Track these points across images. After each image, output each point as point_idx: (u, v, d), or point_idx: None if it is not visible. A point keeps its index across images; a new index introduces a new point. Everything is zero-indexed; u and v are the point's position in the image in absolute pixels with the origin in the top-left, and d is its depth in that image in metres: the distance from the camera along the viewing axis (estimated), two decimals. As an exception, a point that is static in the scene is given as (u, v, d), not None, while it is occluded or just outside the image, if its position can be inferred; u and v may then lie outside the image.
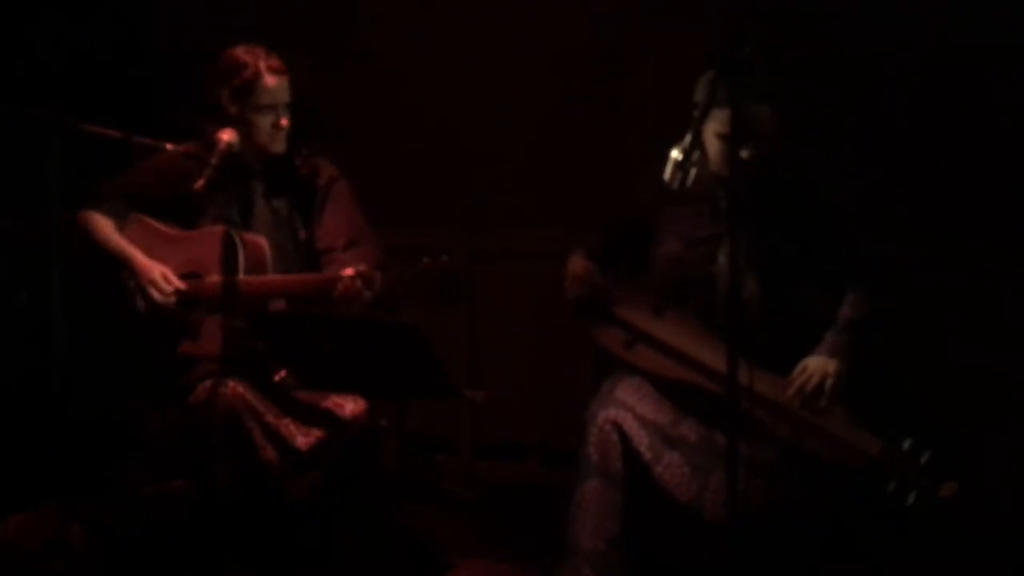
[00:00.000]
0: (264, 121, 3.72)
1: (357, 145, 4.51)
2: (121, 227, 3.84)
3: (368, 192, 3.91)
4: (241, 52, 3.74)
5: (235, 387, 3.54)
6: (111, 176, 3.88)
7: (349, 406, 3.64)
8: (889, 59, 4.07)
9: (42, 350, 3.71)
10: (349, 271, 3.50)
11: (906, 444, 3.24)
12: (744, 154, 3.12)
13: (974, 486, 3.24)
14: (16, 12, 4.69)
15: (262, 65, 3.70)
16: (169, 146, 3.65)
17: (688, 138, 3.08)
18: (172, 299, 3.70)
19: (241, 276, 3.61)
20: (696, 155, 3.05)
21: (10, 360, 4.55)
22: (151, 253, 3.76)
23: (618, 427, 3.46)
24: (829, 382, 3.40)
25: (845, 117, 4.15)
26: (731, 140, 3.11)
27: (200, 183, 3.50)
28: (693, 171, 3.05)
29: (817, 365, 3.44)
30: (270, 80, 3.70)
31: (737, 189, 3.20)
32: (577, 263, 3.73)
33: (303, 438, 3.57)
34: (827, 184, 3.71)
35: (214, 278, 3.69)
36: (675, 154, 3.09)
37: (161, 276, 3.70)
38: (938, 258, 4.04)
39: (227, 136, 3.61)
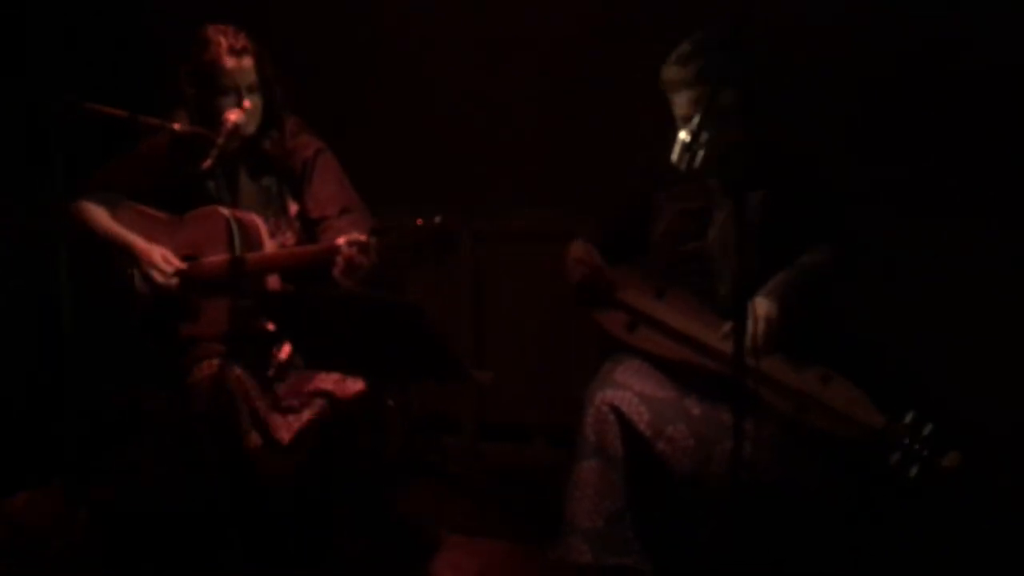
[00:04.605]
0: (225, 103, 3.69)
1: (360, 128, 4.53)
2: (114, 214, 3.85)
3: (371, 174, 3.93)
4: (205, 31, 3.70)
5: (234, 368, 3.55)
6: (110, 160, 3.89)
7: (341, 385, 3.64)
8: (883, 46, 4.12)
9: (49, 333, 3.71)
10: (342, 239, 3.51)
11: (908, 417, 3.26)
12: (683, 136, 3.13)
13: (977, 457, 3.27)
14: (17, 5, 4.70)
15: (224, 46, 3.66)
16: (176, 126, 3.64)
17: (696, 120, 3.09)
18: (174, 280, 3.70)
19: (239, 254, 3.62)
20: (704, 136, 3.07)
21: (18, 342, 4.56)
22: (147, 238, 3.78)
23: (615, 408, 3.48)
24: (761, 326, 3.40)
25: (841, 105, 4.19)
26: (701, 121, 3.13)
27: (207, 163, 3.51)
28: (701, 153, 3.06)
29: (758, 310, 3.42)
30: (231, 62, 3.67)
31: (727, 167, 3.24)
32: (577, 246, 3.75)
33: (286, 433, 3.58)
34: (827, 169, 3.74)
35: (213, 258, 3.69)
36: (683, 136, 3.11)
37: (162, 258, 3.72)
38: (941, 239, 4.06)
39: (234, 116, 3.63)
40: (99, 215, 3.84)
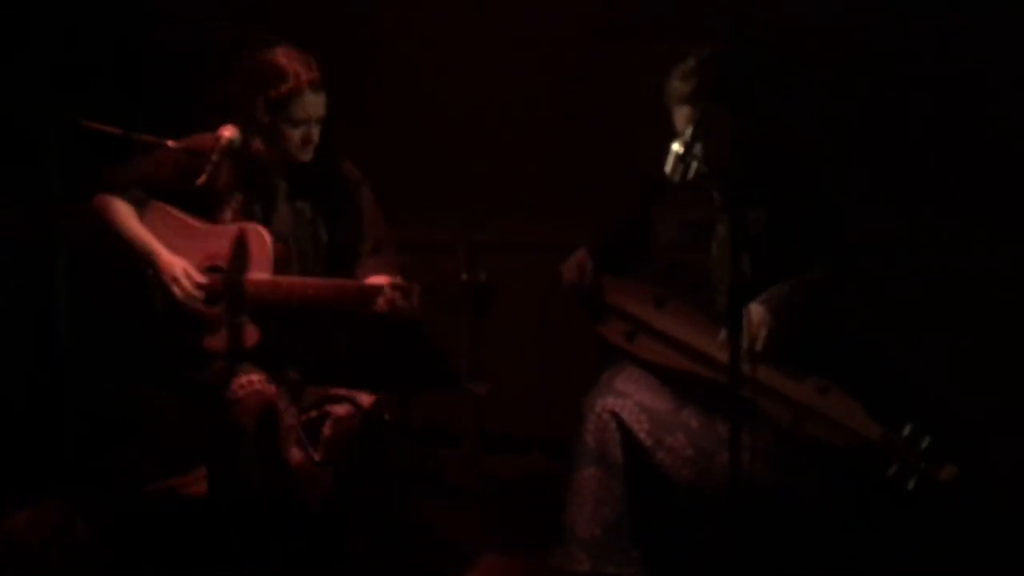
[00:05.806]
0: (295, 133, 3.65)
1: (359, 137, 4.50)
2: (140, 214, 3.78)
3: (370, 174, 3.90)
4: (282, 60, 3.62)
5: (269, 385, 3.55)
6: (133, 157, 3.79)
7: (362, 398, 3.62)
8: (883, 46, 4.10)
9: (49, 333, 3.71)
10: (384, 279, 3.51)
11: (907, 429, 3.26)
12: (676, 147, 3.14)
13: (976, 470, 3.29)
14: (17, 6, 4.68)
15: (304, 79, 3.61)
16: (171, 143, 3.60)
17: (689, 131, 3.09)
18: (197, 296, 3.67)
19: (271, 275, 3.60)
20: (697, 148, 3.06)
21: (18, 343, 4.57)
22: (171, 244, 3.71)
23: (616, 416, 3.49)
24: (757, 332, 3.40)
25: (841, 105, 4.17)
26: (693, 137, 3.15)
27: (202, 179, 3.48)
28: (694, 164, 3.06)
29: (753, 317, 3.42)
30: (310, 96, 3.62)
31: (727, 180, 3.23)
32: (574, 255, 3.75)
33: (317, 449, 3.58)
34: (827, 172, 3.73)
35: (252, 277, 3.65)
36: (676, 147, 3.10)
37: (183, 272, 3.65)
38: (941, 239, 4.05)
39: (228, 132, 3.57)
40: (125, 213, 3.75)
